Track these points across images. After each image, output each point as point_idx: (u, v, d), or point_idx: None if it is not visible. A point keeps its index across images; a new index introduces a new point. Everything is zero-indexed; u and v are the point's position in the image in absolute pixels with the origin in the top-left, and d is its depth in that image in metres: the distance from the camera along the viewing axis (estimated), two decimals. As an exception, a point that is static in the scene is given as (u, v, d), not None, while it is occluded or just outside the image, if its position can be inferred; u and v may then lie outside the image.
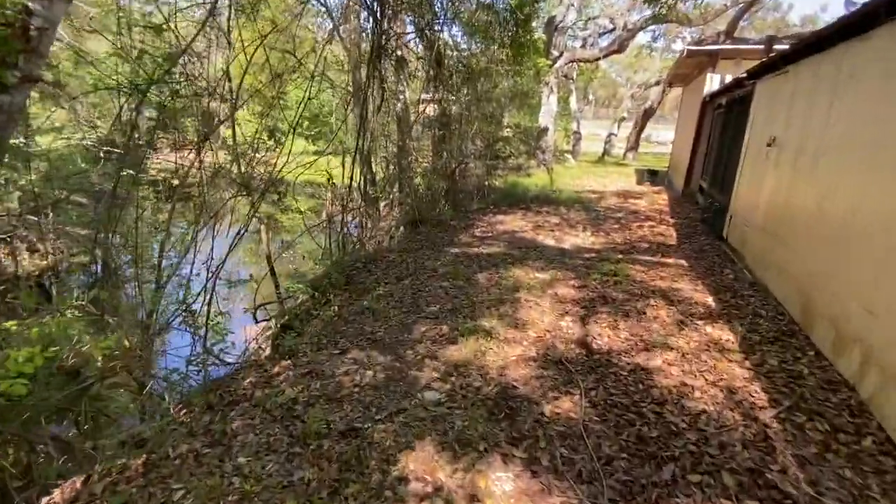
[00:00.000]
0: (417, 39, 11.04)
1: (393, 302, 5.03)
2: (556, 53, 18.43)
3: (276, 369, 3.55)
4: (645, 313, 4.36)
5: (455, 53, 11.31)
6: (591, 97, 55.54)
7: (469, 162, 10.49)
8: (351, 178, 8.40)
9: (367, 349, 3.77)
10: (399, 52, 11.24)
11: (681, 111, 15.24)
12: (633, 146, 21.43)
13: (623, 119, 23.97)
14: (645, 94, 25.34)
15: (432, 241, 7.77)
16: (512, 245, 7.20)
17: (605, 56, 17.63)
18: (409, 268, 6.23)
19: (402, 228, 9.78)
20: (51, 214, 11.18)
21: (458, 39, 11.47)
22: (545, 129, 16.24)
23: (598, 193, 11.89)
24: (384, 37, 9.40)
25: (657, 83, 22.22)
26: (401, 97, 11.29)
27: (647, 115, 20.63)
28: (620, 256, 6.57)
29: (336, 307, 5.80)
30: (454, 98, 10.61)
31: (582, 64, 26.39)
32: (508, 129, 14.65)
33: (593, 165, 19.19)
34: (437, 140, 11.28)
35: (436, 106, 11.16)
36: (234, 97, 6.89)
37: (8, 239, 9.63)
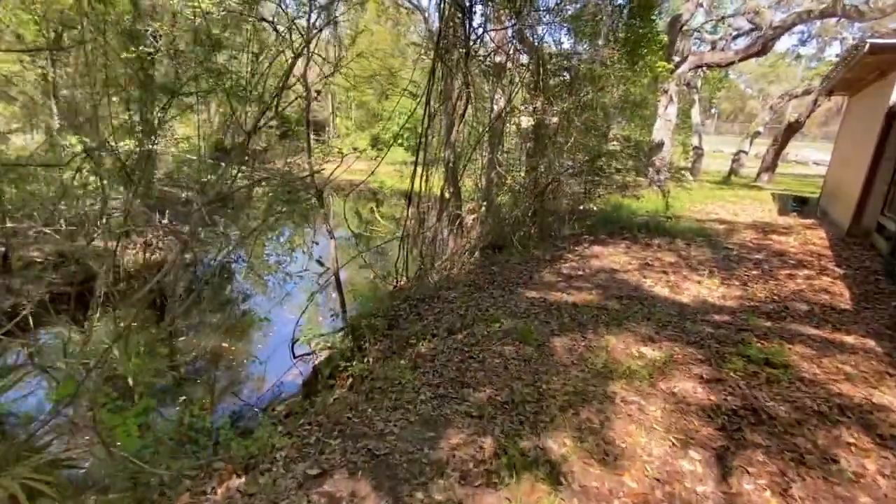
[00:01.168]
0: (518, 42, 9.75)
1: (430, 371, 3.65)
2: (677, 59, 15.99)
3: (219, 493, 2.34)
4: (836, 462, 2.53)
5: (556, 59, 9.77)
6: (714, 110, 50.30)
7: (563, 179, 8.83)
8: (408, 193, 7.24)
9: (358, 475, 2.41)
10: (498, 58, 10.01)
11: (845, 125, 12.16)
12: (770, 166, 18.02)
13: (757, 134, 20.47)
14: (784, 107, 21.53)
15: (506, 277, 6.27)
16: (608, 292, 5.48)
17: (743, 59, 14.85)
18: (467, 315, 4.81)
19: (476, 254, 8.41)
20: (167, 212, 11.64)
21: (562, 38, 9.95)
22: (660, 144, 13.95)
23: (727, 224, 9.54)
24: (471, 36, 8.18)
25: (806, 93, 18.64)
26: (495, 105, 10.00)
27: (792, 130, 17.19)
28: (768, 325, 4.59)
29: (370, 359, 4.58)
30: (554, 108, 9.05)
31: (708, 71, 23.28)
32: (615, 143, 12.65)
33: (718, 187, 16.30)
34: (529, 153, 9.81)
35: (531, 116, 9.69)
36: (308, 101, 6.07)
37: (127, 234, 10.13)
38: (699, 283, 6.03)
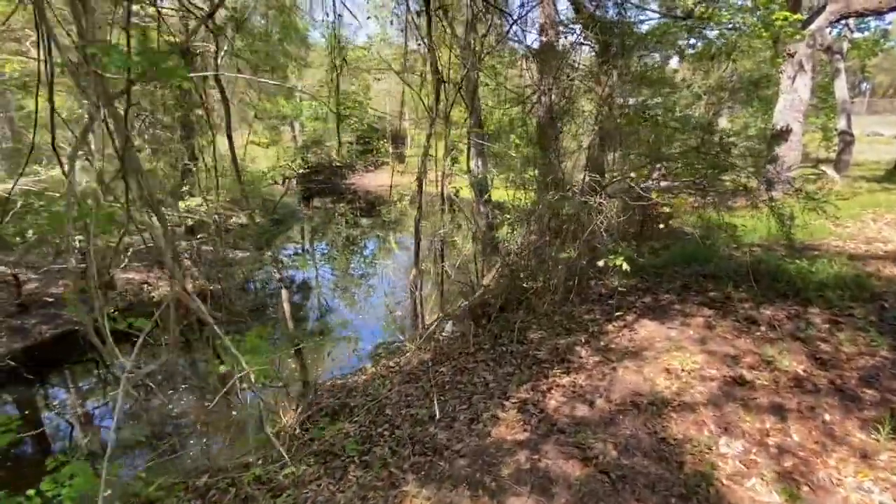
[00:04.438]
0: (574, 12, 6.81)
1: None
2: (807, 14, 11.24)
3: None
4: None
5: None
6: (865, 85, 40.52)
7: (600, 201, 5.39)
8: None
9: None
10: (543, 37, 7.10)
11: None
12: (966, 151, 12.35)
13: (941, 107, 14.49)
14: None
15: (435, 418, 3.24)
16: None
17: (918, -3, 9.86)
18: None
19: (449, 327, 5.37)
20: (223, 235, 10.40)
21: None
22: (784, 132, 9.60)
23: (912, 264, 5.39)
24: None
25: None
26: (543, 98, 6.95)
27: None
28: None
29: None
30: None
31: (857, 32, 17.46)
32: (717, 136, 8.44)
33: (881, 188, 11.18)
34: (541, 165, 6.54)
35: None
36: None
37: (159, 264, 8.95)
38: (867, 460, 2.50)
